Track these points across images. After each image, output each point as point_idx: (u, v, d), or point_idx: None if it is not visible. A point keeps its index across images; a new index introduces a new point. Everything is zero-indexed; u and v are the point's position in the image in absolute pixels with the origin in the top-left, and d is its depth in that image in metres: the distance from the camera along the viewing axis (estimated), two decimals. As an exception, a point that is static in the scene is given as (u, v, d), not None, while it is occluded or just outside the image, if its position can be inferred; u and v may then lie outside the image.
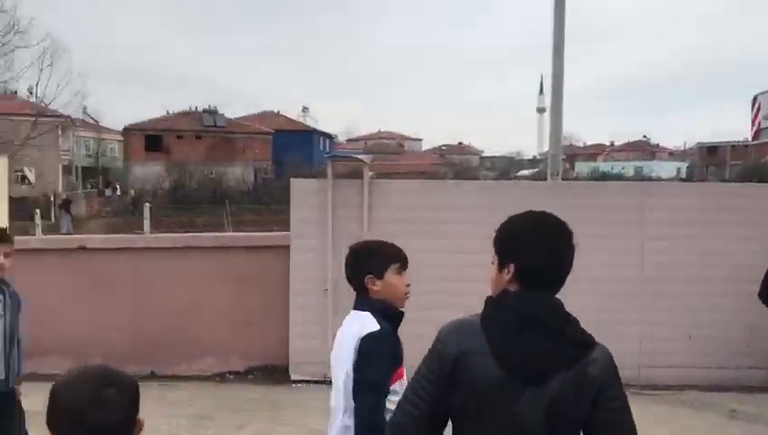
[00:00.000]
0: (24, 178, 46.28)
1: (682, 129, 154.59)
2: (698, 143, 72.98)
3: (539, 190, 7.13)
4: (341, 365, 2.66)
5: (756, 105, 12.84)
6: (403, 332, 2.64)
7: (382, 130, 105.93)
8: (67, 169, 61.85)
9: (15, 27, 36.62)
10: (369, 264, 2.69)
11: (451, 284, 6.69)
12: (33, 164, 46.51)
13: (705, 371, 6.79)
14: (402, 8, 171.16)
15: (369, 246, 2.81)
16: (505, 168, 77.52)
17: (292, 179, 6.88)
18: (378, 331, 2.56)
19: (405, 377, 2.55)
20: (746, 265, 6.54)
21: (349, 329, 2.71)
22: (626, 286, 6.80)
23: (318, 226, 6.67)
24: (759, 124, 12.76)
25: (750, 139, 13.49)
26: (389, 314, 2.65)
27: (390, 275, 2.67)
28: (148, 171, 52.61)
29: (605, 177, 46.68)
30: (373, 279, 2.67)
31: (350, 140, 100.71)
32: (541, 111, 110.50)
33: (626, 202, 6.79)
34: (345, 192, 6.70)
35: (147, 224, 17.03)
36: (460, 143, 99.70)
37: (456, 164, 76.32)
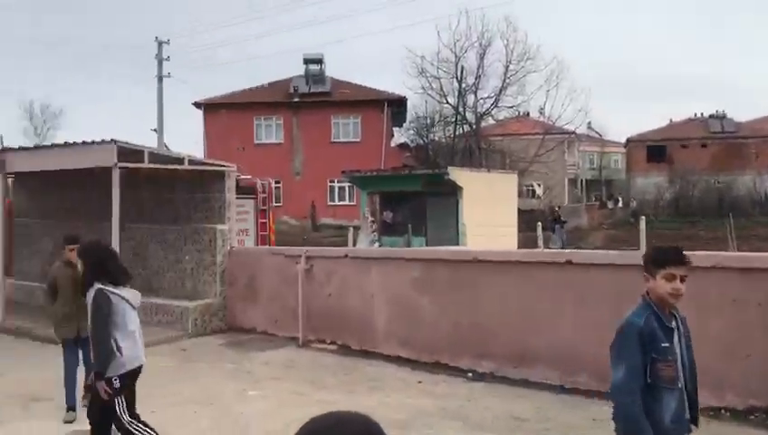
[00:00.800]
0: (533, 192, 50.51)
1: None
2: None
3: None
4: None
5: None
6: None
7: None
8: (573, 183, 65.11)
9: (527, 54, 40.30)
10: None
11: None
12: (542, 179, 50.34)
13: None
14: None
15: None
16: None
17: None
18: None
19: None
20: None
21: None
22: None
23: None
24: None
25: None
26: None
27: None
28: (650, 182, 51.95)
29: None
30: None
31: None
32: None
33: None
34: None
35: (642, 237, 16.67)
36: None
37: None
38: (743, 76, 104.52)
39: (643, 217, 19.48)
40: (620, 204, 53.85)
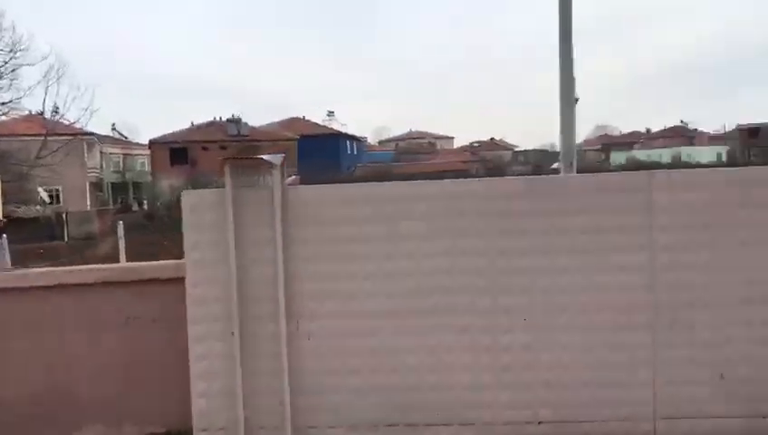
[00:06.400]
0: (43, 199, 45.84)
1: (723, 113, 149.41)
2: (739, 125, 69.48)
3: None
4: None
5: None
6: None
7: (413, 130, 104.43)
8: (97, 187, 61.74)
9: (17, 45, 35.92)
10: None
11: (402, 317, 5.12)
12: (59, 183, 46.12)
13: (742, 421, 5.04)
14: (431, 7, 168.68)
15: None
16: (539, 161, 75.32)
17: (183, 192, 5.30)
18: None
19: None
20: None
21: None
22: (630, 316, 5.08)
23: (219, 250, 5.11)
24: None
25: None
26: None
27: None
28: (174, 184, 51.98)
29: (640, 166, 44.17)
30: None
31: (382, 142, 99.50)
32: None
33: (626, 201, 5.05)
34: (252, 206, 5.13)
35: (122, 244, 15.68)
36: (492, 139, 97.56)
37: (488, 160, 74.45)
38: (260, 85, 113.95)
39: (121, 223, 18.43)
40: (145, 207, 52.87)
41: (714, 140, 77.49)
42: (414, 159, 74.43)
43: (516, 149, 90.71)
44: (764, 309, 5.00)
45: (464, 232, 5.08)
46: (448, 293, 5.09)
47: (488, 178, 6.25)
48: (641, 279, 5.04)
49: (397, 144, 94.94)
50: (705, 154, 61.92)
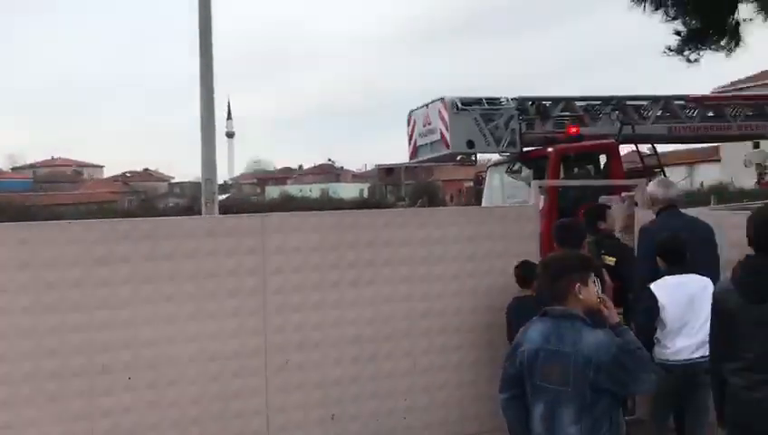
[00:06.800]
0: None
1: (364, 153, 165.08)
2: (377, 165, 77.20)
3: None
4: None
5: (411, 122, 12.10)
6: None
7: (56, 157, 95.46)
8: None
9: None
10: None
11: None
12: None
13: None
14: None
15: None
16: (196, 194, 74.34)
17: None
18: None
19: None
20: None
21: None
22: (243, 362, 4.87)
23: None
24: (415, 142, 12.00)
25: (408, 158, 12.79)
26: None
27: None
28: None
29: (292, 200, 46.19)
30: None
31: (15, 169, 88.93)
32: (230, 135, 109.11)
33: (239, 244, 4.85)
34: None
35: None
36: (146, 169, 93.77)
37: (141, 191, 71.24)
38: None
39: None
40: None
41: (356, 177, 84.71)
42: (55, 188, 67.86)
43: (172, 181, 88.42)
44: (371, 346, 5.20)
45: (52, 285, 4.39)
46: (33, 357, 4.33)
47: (87, 221, 5.58)
48: (255, 323, 4.88)
49: (34, 172, 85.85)
50: (349, 190, 67.26)
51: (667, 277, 4.78)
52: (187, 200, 60.93)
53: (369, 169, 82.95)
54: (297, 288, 4.96)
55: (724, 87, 29.46)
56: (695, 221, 5.45)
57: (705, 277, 4.56)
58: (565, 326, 3.25)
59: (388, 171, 74.25)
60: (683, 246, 4.80)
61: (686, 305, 4.61)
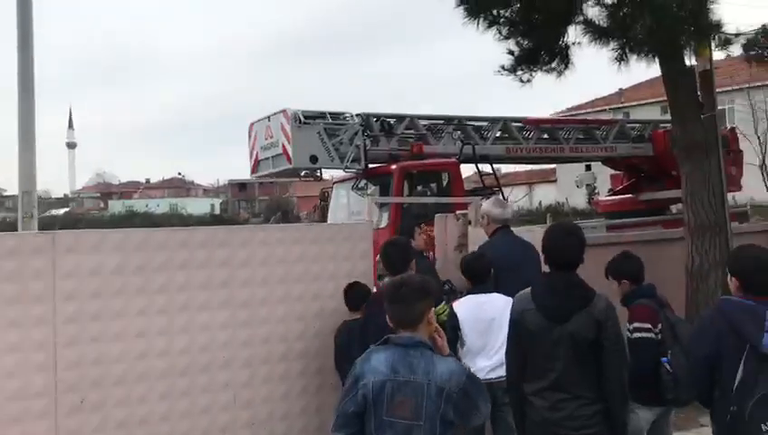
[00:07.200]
0: None
1: (217, 168, 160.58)
2: (230, 180, 75.29)
3: None
4: None
5: (252, 135, 11.60)
6: None
7: None
8: None
9: None
10: None
11: None
12: None
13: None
14: None
15: None
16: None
17: None
18: None
19: None
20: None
21: None
22: (23, 403, 4.19)
23: None
24: (257, 156, 11.51)
25: (250, 173, 12.23)
26: None
27: None
28: None
29: (134, 215, 43.79)
30: None
31: None
32: (71, 146, 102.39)
33: (22, 267, 4.17)
34: None
35: None
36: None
37: (-34, 205, 65.11)
38: None
39: None
40: None
41: (208, 192, 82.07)
42: None
43: (4, 194, 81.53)
44: (183, 380, 4.68)
45: None
46: None
47: None
48: (42, 358, 4.22)
49: None
50: (200, 205, 64.91)
51: (470, 296, 4.81)
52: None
53: (221, 184, 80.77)
54: (95, 317, 4.35)
55: (560, 112, 31.29)
56: (524, 241, 5.52)
57: (507, 297, 4.49)
58: (414, 355, 2.96)
59: (240, 186, 72.77)
60: (488, 266, 4.85)
61: (486, 325, 4.62)
